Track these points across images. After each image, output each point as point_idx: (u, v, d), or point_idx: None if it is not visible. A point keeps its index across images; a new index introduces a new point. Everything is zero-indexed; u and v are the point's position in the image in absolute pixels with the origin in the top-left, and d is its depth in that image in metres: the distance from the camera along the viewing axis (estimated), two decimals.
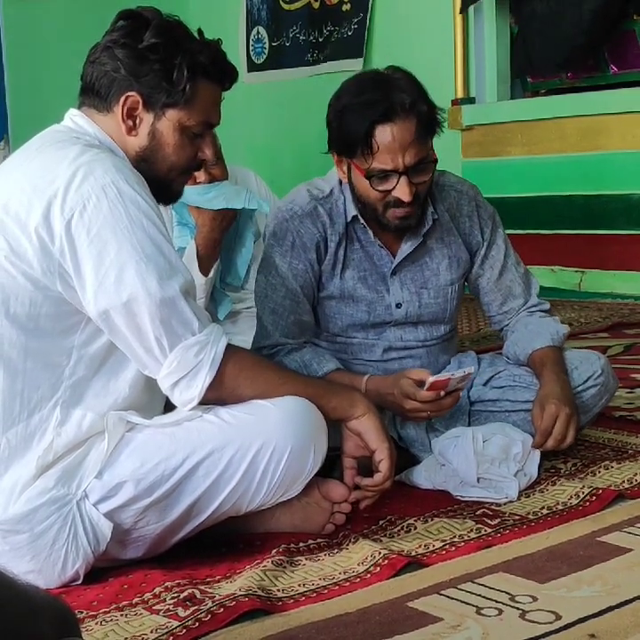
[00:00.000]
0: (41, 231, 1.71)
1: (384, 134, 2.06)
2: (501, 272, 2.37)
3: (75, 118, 1.88)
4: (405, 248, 2.28)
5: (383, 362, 2.33)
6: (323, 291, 2.28)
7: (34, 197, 1.73)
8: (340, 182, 2.25)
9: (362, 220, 2.23)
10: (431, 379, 2.05)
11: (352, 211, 2.23)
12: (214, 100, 1.91)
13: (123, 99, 1.84)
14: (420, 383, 2.08)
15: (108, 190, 1.73)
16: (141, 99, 1.84)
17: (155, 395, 1.84)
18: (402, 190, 2.10)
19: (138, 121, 1.85)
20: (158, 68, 1.83)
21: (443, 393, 2.07)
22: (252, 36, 6.60)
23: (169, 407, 1.87)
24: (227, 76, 1.92)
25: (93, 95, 1.87)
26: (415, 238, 2.27)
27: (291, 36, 6.36)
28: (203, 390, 1.77)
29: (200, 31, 1.91)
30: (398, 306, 2.30)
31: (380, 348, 2.32)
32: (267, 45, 6.53)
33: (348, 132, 2.10)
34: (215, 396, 1.79)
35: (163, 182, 1.89)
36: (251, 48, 6.61)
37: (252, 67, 6.57)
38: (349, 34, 5.98)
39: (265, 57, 6.55)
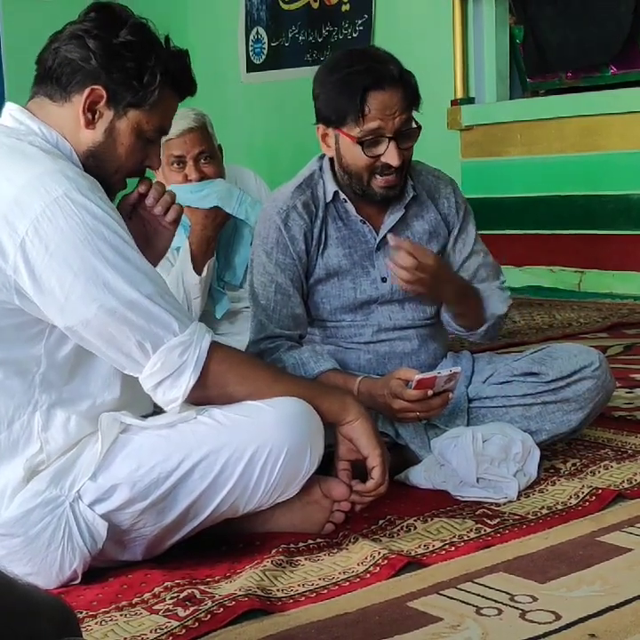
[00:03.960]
0: None
1: (375, 100, 2.16)
2: (469, 256, 2.41)
3: (14, 113, 1.83)
4: (388, 222, 2.33)
5: (374, 343, 2.36)
6: (311, 277, 2.32)
7: None
8: (320, 167, 2.32)
9: (342, 196, 2.29)
10: (417, 376, 2.07)
11: (332, 189, 2.30)
12: (173, 108, 1.90)
13: (88, 91, 1.78)
14: (409, 383, 2.09)
15: (61, 203, 1.67)
16: (106, 94, 1.79)
17: (138, 391, 1.80)
18: (391, 155, 2.18)
19: (97, 115, 1.80)
20: (131, 67, 1.79)
21: (430, 392, 2.08)
22: (251, 37, 6.60)
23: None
24: (189, 89, 1.91)
25: (52, 83, 1.81)
26: (398, 211, 2.33)
27: (290, 36, 6.36)
28: (187, 390, 1.75)
29: (167, 38, 1.88)
30: (384, 280, 2.34)
31: (369, 330, 2.35)
32: (266, 46, 6.53)
33: (339, 101, 2.18)
34: (202, 395, 1.77)
35: (105, 182, 1.83)
36: (250, 48, 6.61)
37: (252, 67, 6.57)
38: (354, 35, 5.98)
39: (264, 57, 6.55)
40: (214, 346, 1.78)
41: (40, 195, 1.67)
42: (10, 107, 1.84)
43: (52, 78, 1.81)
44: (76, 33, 1.81)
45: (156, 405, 1.87)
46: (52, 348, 1.74)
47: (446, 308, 2.36)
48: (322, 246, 2.32)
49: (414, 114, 2.23)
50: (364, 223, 2.32)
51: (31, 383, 1.74)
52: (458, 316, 2.37)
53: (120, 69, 1.79)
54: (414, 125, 2.22)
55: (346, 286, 2.33)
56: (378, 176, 2.21)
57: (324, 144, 2.27)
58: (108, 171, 1.83)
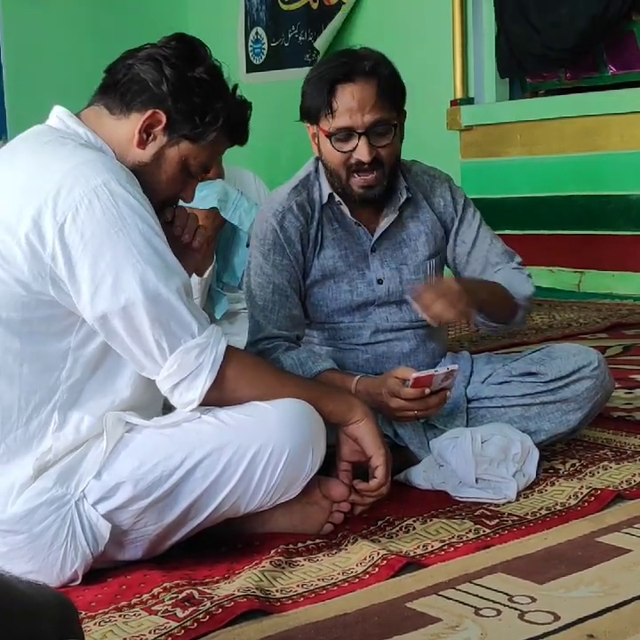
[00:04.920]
0: (31, 237, 1.69)
1: (344, 93, 2.16)
2: (474, 243, 2.40)
3: (62, 116, 1.86)
4: (383, 224, 2.33)
5: (372, 344, 2.36)
6: (307, 278, 2.32)
7: (23, 202, 1.71)
8: (316, 169, 2.32)
9: (337, 198, 2.29)
10: (414, 374, 2.07)
11: (327, 191, 2.30)
12: (221, 152, 1.97)
13: (149, 112, 1.83)
14: (406, 382, 2.09)
15: (99, 192, 1.71)
16: (166, 120, 1.84)
17: (154, 395, 1.83)
18: (361, 150, 2.17)
19: (151, 137, 1.85)
20: (197, 103, 1.84)
21: (428, 391, 2.08)
22: (250, 37, 6.60)
23: (169, 407, 1.87)
24: (242, 139, 1.97)
25: (115, 95, 1.85)
26: (392, 213, 2.33)
27: (289, 36, 6.36)
28: (203, 392, 1.77)
29: (236, 86, 1.94)
30: (380, 282, 2.34)
31: (367, 331, 2.36)
32: (265, 46, 6.54)
33: (312, 97, 2.19)
34: (216, 398, 1.79)
35: None
36: (249, 48, 6.61)
37: (251, 67, 6.57)
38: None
39: (264, 57, 6.55)
40: (230, 350, 1.80)
41: (80, 183, 1.71)
42: (57, 109, 1.88)
43: (117, 91, 1.85)
44: (154, 56, 1.85)
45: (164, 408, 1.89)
46: (79, 343, 1.76)
47: (481, 310, 2.26)
48: (318, 247, 2.32)
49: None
50: (359, 225, 2.32)
51: (56, 380, 1.75)
52: (490, 314, 2.31)
53: (186, 101, 1.84)
54: (392, 120, 2.19)
55: (342, 289, 2.33)
56: (356, 174, 2.21)
57: (313, 143, 2.27)
58: (145, 192, 1.84)
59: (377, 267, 2.34)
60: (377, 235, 2.33)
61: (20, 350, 1.73)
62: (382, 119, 2.17)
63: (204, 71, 1.86)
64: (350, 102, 2.15)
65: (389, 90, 2.18)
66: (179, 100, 1.83)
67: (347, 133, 2.17)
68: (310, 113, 2.22)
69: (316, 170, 2.33)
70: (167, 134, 1.85)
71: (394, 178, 2.29)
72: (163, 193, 1.89)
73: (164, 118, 1.84)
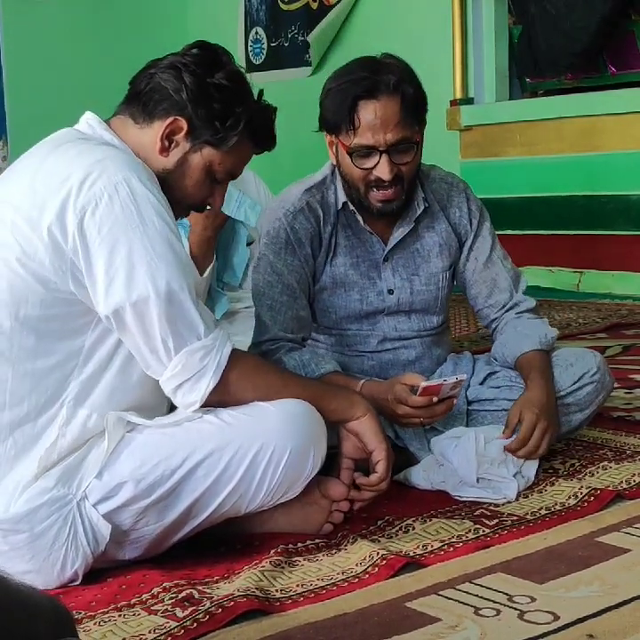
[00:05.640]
0: (54, 230, 1.71)
1: (366, 110, 2.11)
2: (486, 264, 2.38)
3: (90, 121, 1.89)
4: (397, 234, 2.31)
5: (378, 352, 2.35)
6: (317, 283, 2.31)
7: (47, 197, 1.73)
8: (333, 172, 2.30)
9: (351, 207, 2.27)
10: (423, 384, 2.06)
11: (342, 198, 2.27)
12: (247, 157, 1.97)
13: (170, 119, 1.85)
14: (414, 388, 2.08)
15: (119, 188, 1.73)
16: (188, 127, 1.85)
17: (161, 397, 1.84)
18: (382, 169, 2.13)
19: (174, 144, 1.87)
20: (217, 108, 1.86)
21: (435, 399, 2.06)
22: (250, 37, 6.60)
23: (173, 408, 1.87)
24: (268, 144, 2.00)
25: (138, 104, 1.87)
26: (407, 224, 2.31)
27: (289, 36, 6.37)
28: (205, 394, 1.77)
29: (261, 92, 1.96)
30: (390, 292, 2.33)
31: (374, 339, 2.35)
32: (265, 46, 6.54)
33: (333, 109, 2.15)
34: (218, 400, 1.80)
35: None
36: (249, 48, 6.62)
37: (251, 67, 6.57)
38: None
39: (263, 57, 6.56)
40: (234, 353, 1.81)
41: (101, 178, 1.73)
42: (88, 115, 1.91)
43: (140, 101, 1.88)
44: (174, 64, 1.87)
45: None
46: (94, 341, 1.77)
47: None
48: (331, 254, 2.29)
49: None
50: (372, 234, 2.30)
51: (68, 377, 1.76)
52: None
53: (206, 107, 1.86)
54: (415, 137, 2.14)
55: (352, 297, 2.32)
56: (374, 189, 2.17)
57: (331, 152, 2.24)
58: (172, 199, 1.86)
59: (388, 276, 2.32)
60: (390, 245, 2.31)
61: (35, 346, 1.74)
62: (405, 137, 2.13)
63: (224, 77, 1.87)
64: (373, 120, 2.10)
65: (413, 106, 2.13)
66: (199, 106, 1.85)
67: (368, 151, 2.13)
68: (330, 125, 2.18)
69: (333, 173, 2.29)
70: (190, 140, 1.87)
71: (412, 190, 2.26)
72: (189, 199, 1.91)
73: (185, 125, 1.85)
